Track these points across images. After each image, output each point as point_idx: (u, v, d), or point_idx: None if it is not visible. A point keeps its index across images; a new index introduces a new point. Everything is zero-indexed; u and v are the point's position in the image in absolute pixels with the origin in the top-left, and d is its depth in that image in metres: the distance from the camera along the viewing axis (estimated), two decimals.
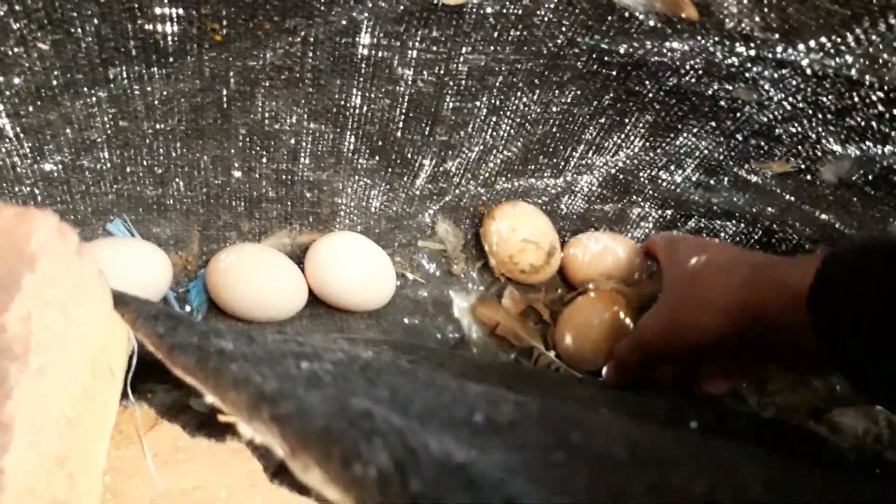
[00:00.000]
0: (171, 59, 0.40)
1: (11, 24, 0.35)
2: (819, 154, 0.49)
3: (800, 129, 0.47)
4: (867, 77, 0.40)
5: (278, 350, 0.24)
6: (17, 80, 0.38)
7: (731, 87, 0.45)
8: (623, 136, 0.52)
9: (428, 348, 0.46)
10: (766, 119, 0.47)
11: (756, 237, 0.58)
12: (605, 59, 0.46)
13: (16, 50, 0.36)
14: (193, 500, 0.37)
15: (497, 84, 0.48)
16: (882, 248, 0.32)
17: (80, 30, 0.37)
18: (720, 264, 0.41)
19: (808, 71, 0.41)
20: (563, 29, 0.44)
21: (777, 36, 0.38)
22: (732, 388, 0.47)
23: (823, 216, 0.53)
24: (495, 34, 0.44)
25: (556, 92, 0.49)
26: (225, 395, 0.20)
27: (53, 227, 0.22)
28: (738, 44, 0.40)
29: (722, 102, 0.47)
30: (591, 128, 0.52)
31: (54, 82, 0.39)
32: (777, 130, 0.48)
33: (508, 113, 0.50)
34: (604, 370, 0.50)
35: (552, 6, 0.43)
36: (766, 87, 0.44)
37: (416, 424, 0.19)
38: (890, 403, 0.32)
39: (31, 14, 0.35)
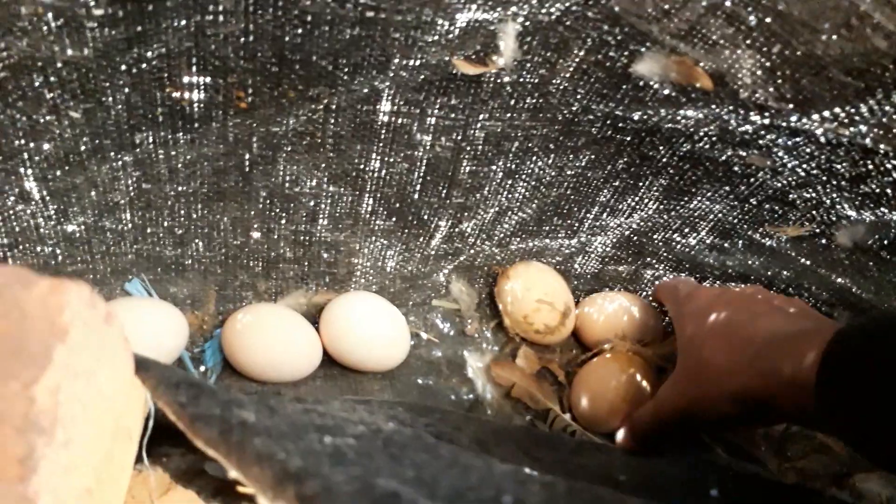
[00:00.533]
0: (196, 125, 0.41)
1: (45, 94, 0.36)
2: (834, 219, 0.49)
3: (814, 194, 0.47)
4: (881, 146, 0.40)
5: (300, 422, 0.24)
6: (46, 146, 0.39)
7: (744, 154, 0.46)
8: (637, 198, 0.53)
9: (443, 411, 0.45)
10: (780, 185, 0.48)
11: None
12: (620, 125, 0.47)
13: (48, 118, 0.37)
14: None
15: (513, 149, 0.49)
16: (886, 330, 0.32)
17: (111, 98, 0.38)
18: (729, 336, 0.41)
19: (823, 139, 0.42)
20: (579, 97, 0.45)
21: (791, 106, 0.39)
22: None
23: (840, 280, 0.53)
24: (512, 102, 0.45)
25: (571, 156, 0.50)
26: (248, 470, 0.20)
27: (86, 297, 0.23)
28: (752, 113, 0.41)
29: (736, 168, 0.48)
30: (606, 191, 0.53)
31: (83, 148, 0.40)
32: (791, 196, 0.48)
33: (524, 176, 0.51)
34: (618, 434, 0.49)
35: (567, 75, 0.44)
36: (780, 153, 0.44)
37: None
38: None
39: (65, 84, 0.36)
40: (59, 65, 0.35)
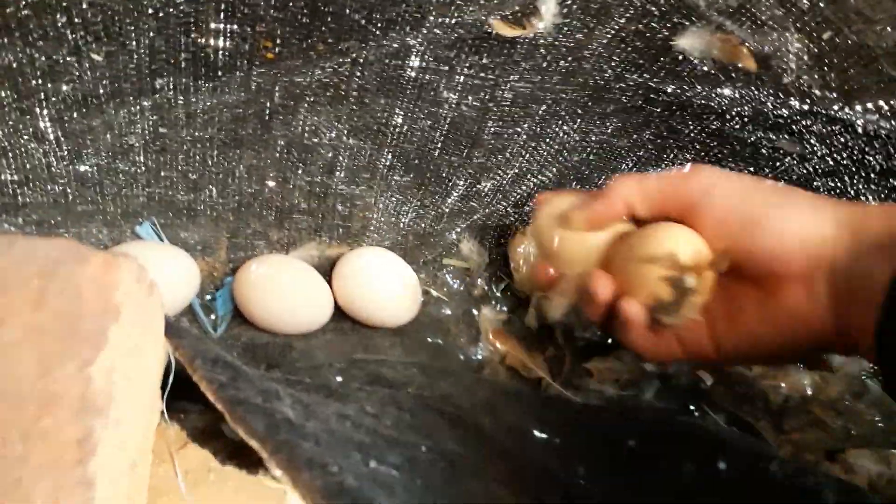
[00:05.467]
0: (219, 73, 0.40)
1: (67, 35, 0.34)
2: None
3: (839, 184, 0.47)
4: None
5: (339, 434, 0.24)
6: (64, 88, 0.37)
7: (774, 137, 0.45)
8: (660, 170, 0.52)
9: (456, 373, 0.46)
10: (805, 171, 0.47)
11: None
12: (651, 96, 0.46)
13: (68, 59, 0.35)
14: None
15: (540, 112, 0.47)
16: None
17: (134, 42, 0.36)
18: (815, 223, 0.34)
19: (860, 129, 0.41)
20: (613, 65, 0.44)
21: (835, 95, 0.38)
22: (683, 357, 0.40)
23: None
24: (544, 64, 0.44)
25: (598, 122, 0.49)
26: (296, 474, 0.20)
27: (135, 272, 0.22)
28: (792, 98, 0.40)
29: (763, 150, 0.47)
30: (629, 160, 0.52)
31: (101, 91, 0.38)
32: (815, 183, 0.48)
33: (547, 139, 0.50)
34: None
35: (605, 42, 0.43)
36: (812, 140, 0.44)
37: None
38: None
39: (88, 26, 0.34)
40: (85, 6, 0.33)
